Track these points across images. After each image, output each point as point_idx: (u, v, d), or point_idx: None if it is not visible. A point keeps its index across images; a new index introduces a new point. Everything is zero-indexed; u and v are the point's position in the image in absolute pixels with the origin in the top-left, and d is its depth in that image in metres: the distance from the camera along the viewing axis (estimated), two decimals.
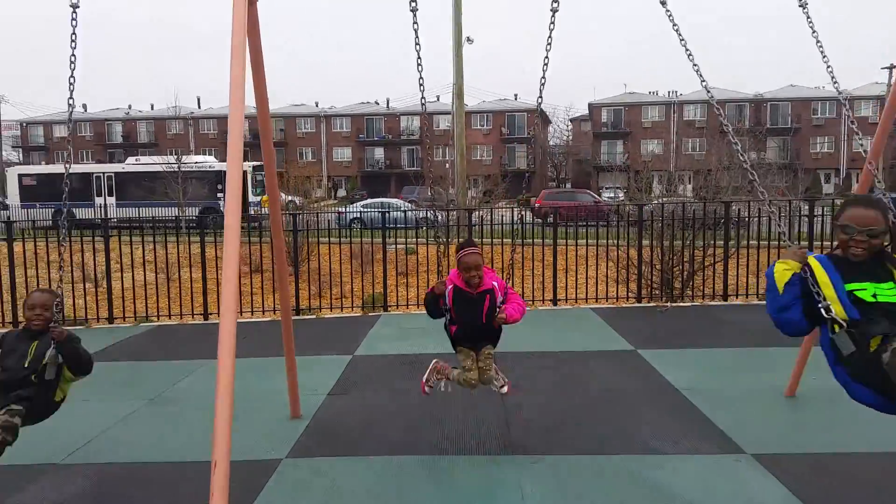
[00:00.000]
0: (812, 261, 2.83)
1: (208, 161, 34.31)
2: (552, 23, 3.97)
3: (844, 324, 2.68)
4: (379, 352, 7.28)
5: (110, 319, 9.20)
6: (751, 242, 10.43)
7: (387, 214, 11.92)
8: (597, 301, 9.95)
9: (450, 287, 4.15)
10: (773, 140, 51.03)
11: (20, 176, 33.27)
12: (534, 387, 5.82)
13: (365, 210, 29.53)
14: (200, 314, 9.38)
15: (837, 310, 2.70)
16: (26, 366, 3.62)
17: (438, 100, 63.48)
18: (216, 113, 64.04)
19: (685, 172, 27.99)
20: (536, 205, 28.23)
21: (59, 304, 3.78)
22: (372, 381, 6.16)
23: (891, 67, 45.87)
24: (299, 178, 28.53)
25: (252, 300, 10.33)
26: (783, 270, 2.86)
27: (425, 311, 4.34)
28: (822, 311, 2.71)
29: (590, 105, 60.95)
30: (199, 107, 64.91)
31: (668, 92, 60.36)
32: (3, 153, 59.68)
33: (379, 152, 63.61)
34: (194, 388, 6.13)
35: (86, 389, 5.97)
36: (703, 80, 3.84)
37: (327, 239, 13.90)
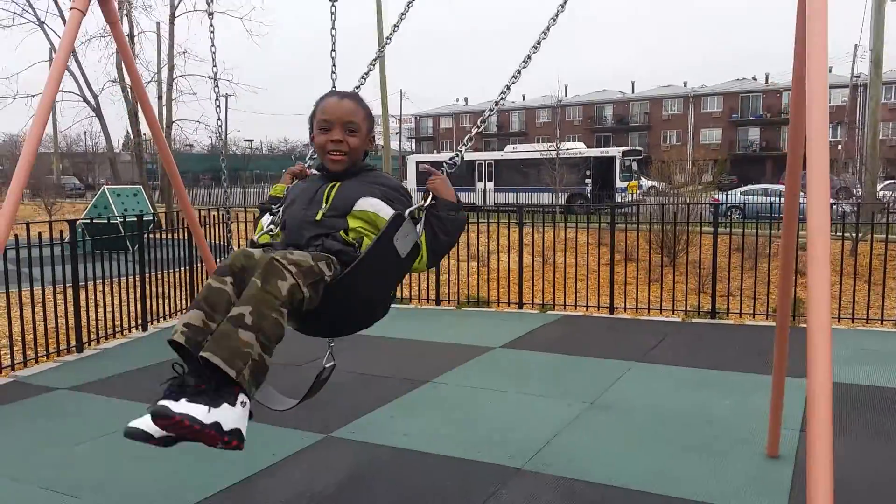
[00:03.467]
0: None
1: (578, 147, 34.77)
2: None
3: None
4: (838, 378, 5.93)
5: (519, 305, 9.34)
6: None
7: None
8: None
9: None
10: None
11: (417, 163, 37.81)
12: None
13: (747, 197, 26.80)
14: (606, 306, 8.99)
15: None
16: (318, 219, 2.17)
17: (831, 71, 55.35)
18: (581, 100, 65.23)
19: None
20: None
21: (460, 151, 2.47)
22: (853, 422, 4.93)
23: None
24: (665, 162, 27.16)
25: (625, 289, 9.63)
26: None
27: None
28: None
29: None
30: (566, 95, 66.74)
31: None
32: (401, 143, 69.18)
33: (754, 133, 58.06)
34: (630, 393, 5.60)
35: (519, 381, 5.98)
36: None
37: (700, 228, 12.83)
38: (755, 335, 7.62)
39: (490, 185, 34.02)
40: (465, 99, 75.64)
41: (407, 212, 2.16)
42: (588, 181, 31.72)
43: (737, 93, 58.79)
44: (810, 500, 2.23)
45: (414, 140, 76.69)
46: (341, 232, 2.13)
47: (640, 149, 38.04)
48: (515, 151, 35.31)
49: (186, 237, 9.19)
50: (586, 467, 4.17)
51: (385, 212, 2.16)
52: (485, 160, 35.44)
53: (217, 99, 4.63)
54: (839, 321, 8.20)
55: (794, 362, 6.25)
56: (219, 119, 4.86)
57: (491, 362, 6.58)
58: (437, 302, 9.52)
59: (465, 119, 71.71)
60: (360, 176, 2.26)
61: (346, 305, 2.10)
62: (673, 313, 8.78)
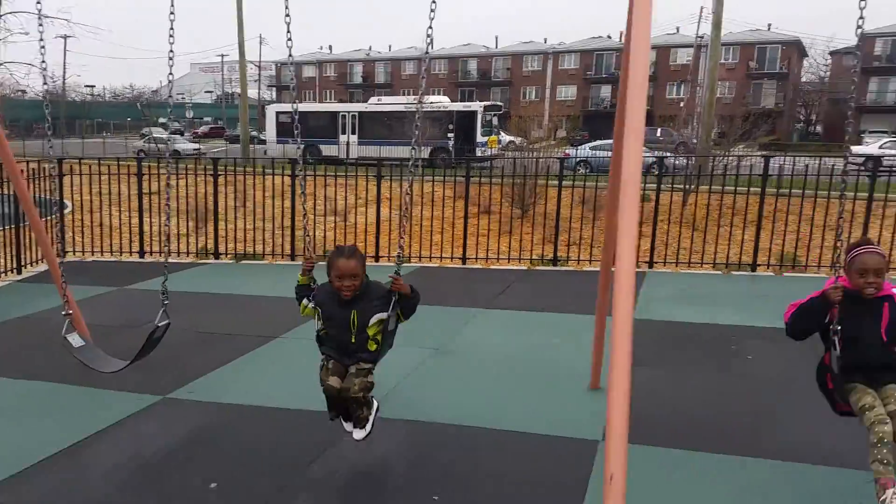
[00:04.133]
0: None
1: (442, 101, 34.91)
2: None
3: None
4: (661, 316, 6.52)
5: (376, 258, 9.40)
6: None
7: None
8: None
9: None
10: None
11: (277, 113, 36.34)
12: None
13: (595, 152, 28.25)
14: (459, 257, 9.26)
15: None
16: (353, 341, 3.48)
17: (678, 31, 58.87)
18: (446, 53, 65.30)
19: None
20: None
21: (399, 258, 3.81)
22: (666, 353, 5.46)
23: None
24: (523, 118, 28.04)
25: (477, 241, 10.01)
26: None
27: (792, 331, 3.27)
28: None
29: (862, 34, 52.53)
30: (432, 47, 66.56)
31: None
32: (260, 92, 66.26)
33: (606, 90, 60.86)
34: (474, 338, 5.88)
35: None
36: None
37: (547, 182, 13.35)
38: (592, 280, 8.13)
39: (353, 138, 33.50)
40: (330, 47, 73.50)
41: (390, 311, 3.57)
42: (451, 135, 32.04)
43: (592, 51, 61.21)
44: (609, 419, 2.47)
45: (275, 89, 73.68)
46: (367, 343, 3.57)
47: (500, 104, 38.82)
48: (380, 104, 34.88)
49: (11, 192, 8.38)
50: (427, 409, 4.36)
51: (383, 315, 3.57)
52: (348, 112, 34.78)
53: (42, 37, 4.25)
54: (665, 265, 8.96)
55: None
56: (43, 60, 4.47)
57: None
58: (293, 257, 9.37)
59: (330, 68, 69.78)
60: (364, 296, 3.55)
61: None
62: (520, 262, 9.20)
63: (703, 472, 3.61)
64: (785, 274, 8.54)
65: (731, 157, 17.88)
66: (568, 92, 61.73)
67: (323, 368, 3.52)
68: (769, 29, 55.96)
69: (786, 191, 9.40)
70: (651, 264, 8.96)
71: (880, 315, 3.11)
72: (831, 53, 60.43)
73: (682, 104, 46.56)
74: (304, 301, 3.66)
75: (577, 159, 26.85)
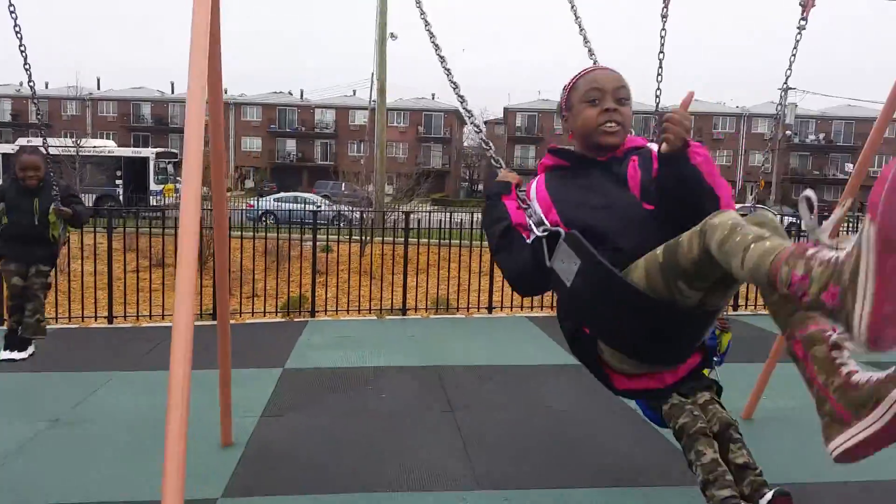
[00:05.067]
0: None
1: (108, 146, 32.13)
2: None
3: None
4: (312, 364, 6.71)
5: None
6: None
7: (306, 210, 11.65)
8: (531, 309, 9.75)
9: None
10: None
11: None
12: (488, 408, 5.45)
13: (279, 204, 28.39)
14: (105, 316, 8.46)
15: None
16: (36, 223, 4.22)
17: (355, 94, 62.45)
18: (116, 95, 60.45)
19: None
20: None
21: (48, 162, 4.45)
22: (309, 401, 5.61)
23: (786, 88, 48.94)
24: (205, 167, 27.06)
25: (147, 297, 9.44)
26: None
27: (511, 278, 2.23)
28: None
29: (505, 109, 61.61)
30: (99, 88, 61.08)
31: None
32: None
33: (291, 144, 61.83)
34: (105, 405, 5.38)
35: None
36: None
37: (239, 234, 13.26)
38: (253, 332, 8.08)
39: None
40: None
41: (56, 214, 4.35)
42: (119, 181, 29.53)
43: (274, 105, 61.84)
44: (164, 481, 2.39)
45: None
46: (47, 231, 4.35)
47: (175, 151, 36.88)
48: (30, 145, 30.68)
49: None
50: (29, 492, 3.85)
51: (59, 207, 4.32)
52: None
53: None
54: (326, 313, 9.29)
55: (275, 354, 6.87)
56: None
57: None
58: None
59: None
60: (44, 189, 4.34)
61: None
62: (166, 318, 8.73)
63: None
64: (432, 316, 9.43)
65: (400, 212, 19.24)
66: (253, 144, 61.32)
67: (6, 270, 4.27)
68: (433, 98, 62.46)
69: (443, 241, 10.48)
70: (313, 313, 9.20)
71: (624, 176, 1.96)
72: (485, 123, 69.73)
73: (362, 161, 49.28)
74: None
75: (262, 210, 26.76)
